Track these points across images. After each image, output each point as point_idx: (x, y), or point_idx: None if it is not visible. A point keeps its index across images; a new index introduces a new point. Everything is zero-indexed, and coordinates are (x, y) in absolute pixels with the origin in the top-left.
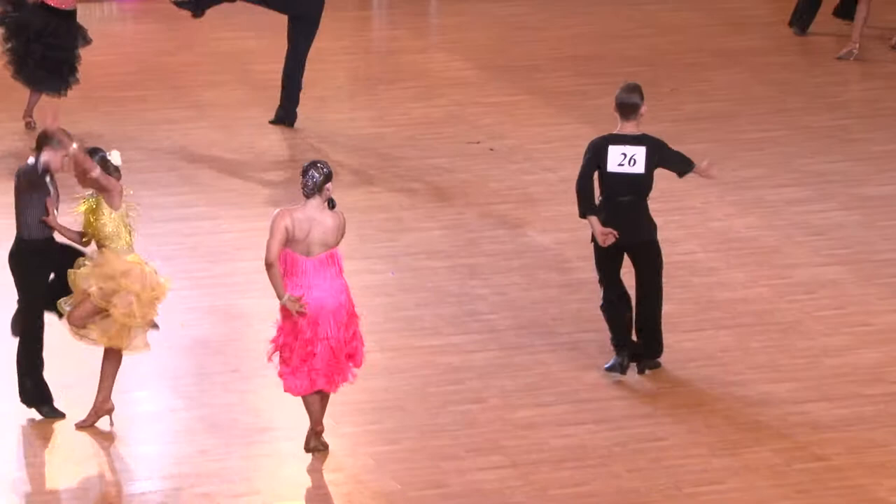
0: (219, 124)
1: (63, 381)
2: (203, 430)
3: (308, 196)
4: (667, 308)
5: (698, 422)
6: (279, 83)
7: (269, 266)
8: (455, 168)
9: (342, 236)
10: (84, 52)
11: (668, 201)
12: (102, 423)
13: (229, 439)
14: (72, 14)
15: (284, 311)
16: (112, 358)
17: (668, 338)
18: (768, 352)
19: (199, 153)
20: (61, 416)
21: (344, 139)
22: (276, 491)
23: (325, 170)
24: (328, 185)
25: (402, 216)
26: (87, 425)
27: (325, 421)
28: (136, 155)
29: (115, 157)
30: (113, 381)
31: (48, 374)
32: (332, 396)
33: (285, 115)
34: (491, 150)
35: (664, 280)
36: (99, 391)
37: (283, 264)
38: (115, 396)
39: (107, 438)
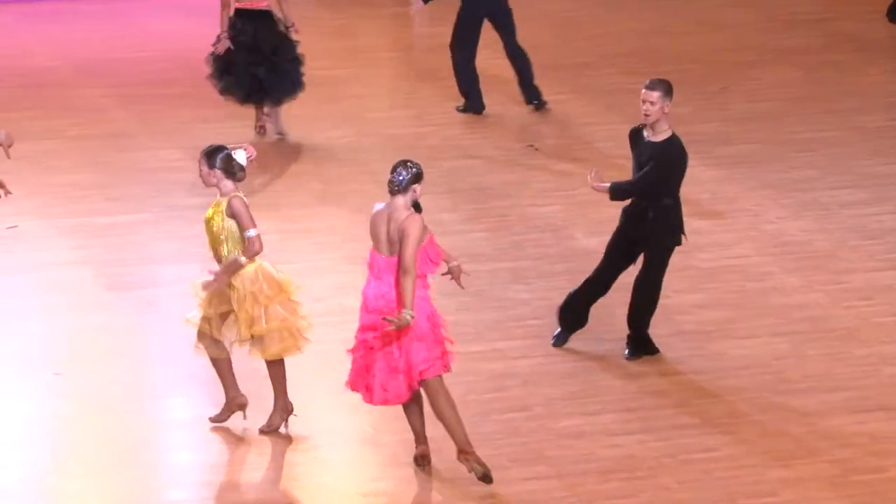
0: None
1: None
2: (238, 438)
3: (393, 194)
4: (719, 314)
5: (751, 432)
6: (319, 80)
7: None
8: (497, 169)
9: (407, 240)
10: (119, 50)
11: (718, 203)
12: (142, 430)
13: (264, 447)
14: (267, 12)
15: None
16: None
17: (721, 345)
18: (824, 360)
19: None
20: None
21: (383, 138)
22: (313, 501)
23: (413, 169)
24: (416, 185)
25: (442, 218)
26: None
27: (364, 428)
28: (171, 154)
29: (239, 156)
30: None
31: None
32: (369, 405)
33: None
34: (536, 149)
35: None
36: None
37: (369, 266)
38: (148, 403)
39: (139, 446)
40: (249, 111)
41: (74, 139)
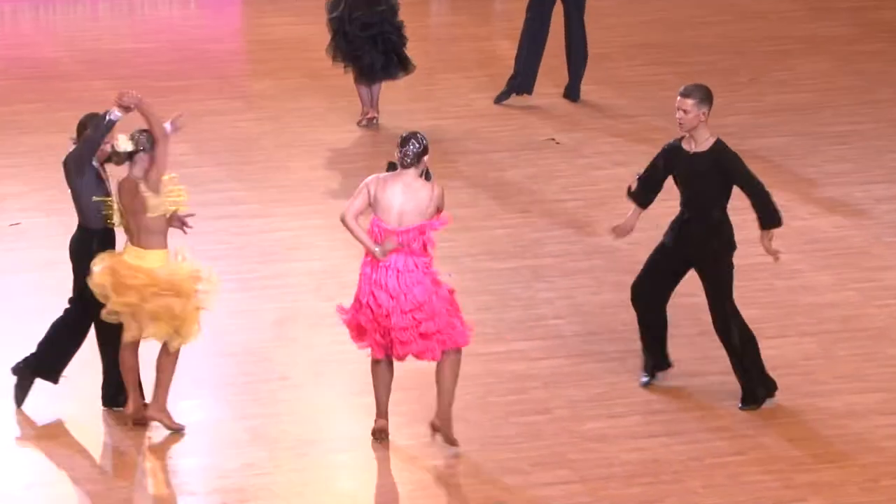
0: (268, 116)
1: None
2: (249, 442)
3: (405, 167)
4: (747, 313)
5: (779, 435)
6: (334, 71)
7: (343, 221)
8: (519, 163)
9: (440, 204)
10: (124, 40)
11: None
12: (151, 434)
13: (277, 451)
14: None
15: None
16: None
17: None
18: (855, 360)
19: (248, 147)
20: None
21: (401, 132)
22: None
23: (424, 141)
24: (425, 157)
25: (461, 214)
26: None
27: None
28: (180, 148)
29: (121, 143)
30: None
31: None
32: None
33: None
34: (557, 143)
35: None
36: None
37: (373, 237)
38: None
39: (149, 450)
40: (259, 103)
41: None
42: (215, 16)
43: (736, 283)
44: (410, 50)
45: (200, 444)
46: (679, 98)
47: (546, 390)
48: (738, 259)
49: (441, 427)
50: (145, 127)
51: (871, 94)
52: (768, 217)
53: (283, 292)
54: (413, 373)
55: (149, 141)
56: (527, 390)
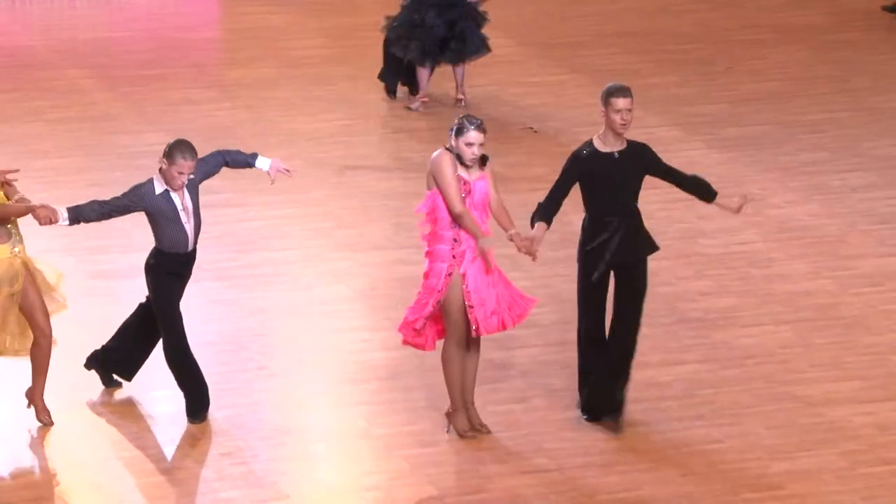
0: (244, 105)
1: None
2: (227, 431)
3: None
4: (724, 302)
5: (756, 423)
6: (310, 60)
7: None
8: (496, 152)
9: (433, 179)
10: (100, 29)
11: (725, 187)
12: (129, 423)
13: (255, 441)
14: None
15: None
16: None
17: (725, 333)
18: (832, 348)
19: (223, 136)
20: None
21: (379, 121)
22: (305, 495)
23: (456, 121)
24: (457, 138)
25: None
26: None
27: (357, 421)
28: (156, 138)
29: None
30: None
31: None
32: (365, 395)
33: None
34: (535, 131)
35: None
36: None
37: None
38: (136, 395)
39: (126, 439)
40: (235, 92)
41: (55, 122)
42: (192, 4)
43: (712, 272)
44: None
45: (178, 434)
46: (624, 99)
47: (523, 379)
48: (715, 248)
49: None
50: None
51: (846, 83)
52: (705, 189)
53: (260, 281)
54: (391, 361)
55: None
56: (504, 379)
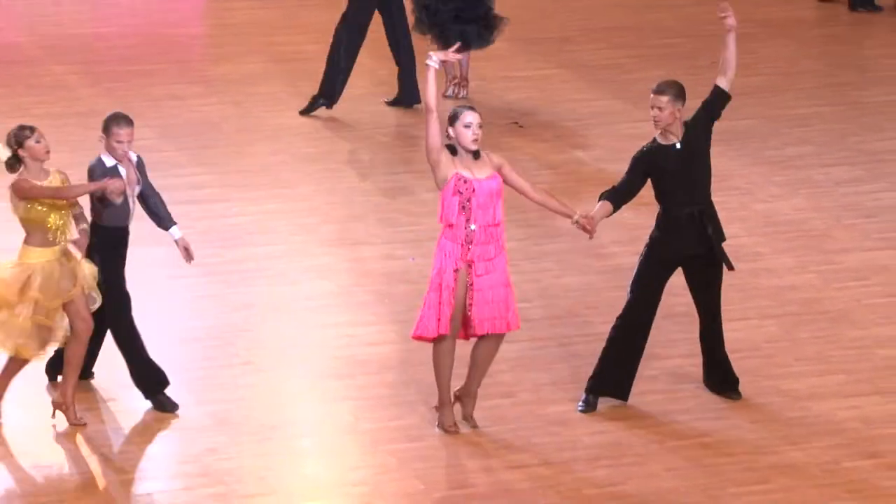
0: (230, 100)
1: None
2: (213, 427)
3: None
4: None
5: (741, 417)
6: (297, 56)
7: (540, 197)
8: (481, 146)
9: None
10: (85, 24)
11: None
12: (111, 420)
13: (241, 436)
14: None
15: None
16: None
17: None
18: (817, 342)
19: (209, 131)
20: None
21: (362, 116)
22: (292, 491)
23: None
24: (448, 127)
25: (425, 198)
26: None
27: (343, 416)
28: (141, 133)
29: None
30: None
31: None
32: (351, 390)
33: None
34: (520, 126)
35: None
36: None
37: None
38: (119, 391)
39: (111, 435)
40: (221, 87)
41: (41, 118)
42: (177, 0)
43: None
44: (372, 34)
45: (163, 429)
46: (653, 96)
47: (510, 374)
48: None
49: (466, 403)
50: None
51: (832, 77)
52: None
53: (245, 277)
54: (377, 356)
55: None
56: (491, 374)
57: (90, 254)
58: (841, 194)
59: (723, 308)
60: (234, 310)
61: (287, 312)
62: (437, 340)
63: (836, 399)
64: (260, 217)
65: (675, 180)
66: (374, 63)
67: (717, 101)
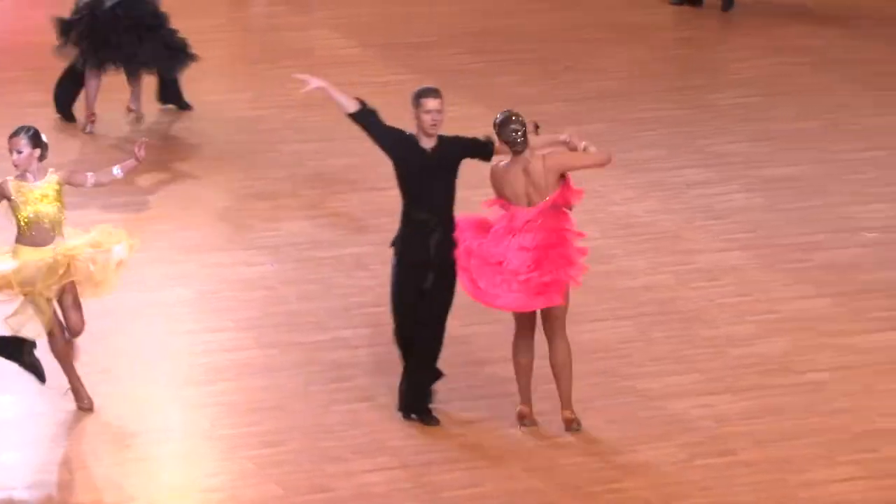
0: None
1: None
2: (70, 435)
3: (519, 152)
4: None
5: (597, 417)
6: None
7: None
8: (340, 152)
9: (568, 162)
10: None
11: None
12: None
13: (98, 444)
14: None
15: None
16: None
17: (567, 329)
18: (671, 342)
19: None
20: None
21: (220, 122)
22: (151, 497)
23: (497, 117)
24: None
25: (284, 204)
26: None
27: (202, 422)
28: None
29: None
30: None
31: None
32: (209, 396)
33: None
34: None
35: None
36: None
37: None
38: None
39: None
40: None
41: None
42: (28, 7)
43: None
44: (231, 40)
45: (19, 439)
46: (433, 100)
47: (368, 378)
48: None
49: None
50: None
51: (682, 81)
52: (486, 149)
53: None
54: (234, 363)
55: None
56: (348, 378)
57: None
58: (692, 196)
59: (580, 309)
60: (92, 317)
61: (145, 319)
62: None
63: (690, 398)
64: (116, 225)
65: (419, 184)
66: (230, 65)
67: (480, 150)
